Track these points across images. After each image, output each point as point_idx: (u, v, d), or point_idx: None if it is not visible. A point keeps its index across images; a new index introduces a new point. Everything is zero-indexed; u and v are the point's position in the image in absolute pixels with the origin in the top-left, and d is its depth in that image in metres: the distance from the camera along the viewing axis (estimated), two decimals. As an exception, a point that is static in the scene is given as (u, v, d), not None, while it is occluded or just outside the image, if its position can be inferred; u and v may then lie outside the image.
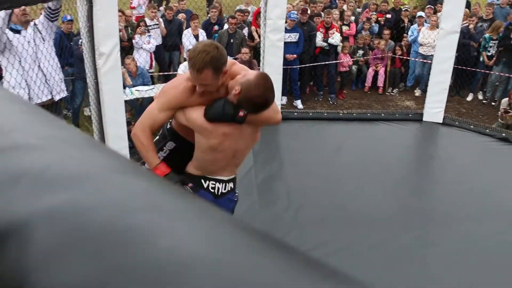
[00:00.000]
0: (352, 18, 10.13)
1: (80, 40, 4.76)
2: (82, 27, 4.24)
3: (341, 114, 6.84)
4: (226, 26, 8.68)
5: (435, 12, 10.00)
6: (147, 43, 8.33)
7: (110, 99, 4.45)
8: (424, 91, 9.41)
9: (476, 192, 4.71)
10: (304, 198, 4.54)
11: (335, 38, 8.84)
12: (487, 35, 9.24)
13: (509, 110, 7.18)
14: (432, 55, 9.24)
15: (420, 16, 9.76)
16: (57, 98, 4.40)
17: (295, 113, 6.79)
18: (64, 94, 4.54)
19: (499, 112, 7.32)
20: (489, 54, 9.21)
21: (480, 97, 9.68)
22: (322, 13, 9.64)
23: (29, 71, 4.16)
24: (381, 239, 3.95)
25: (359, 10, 10.55)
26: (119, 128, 4.67)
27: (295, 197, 4.56)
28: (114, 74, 4.44)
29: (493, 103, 8.85)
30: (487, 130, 6.35)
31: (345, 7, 10.67)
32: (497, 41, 9.08)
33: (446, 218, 4.30)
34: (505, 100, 7.42)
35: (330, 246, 3.81)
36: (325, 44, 8.83)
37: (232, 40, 8.41)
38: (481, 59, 9.38)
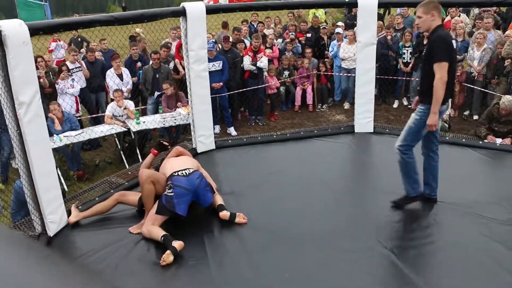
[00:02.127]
0: (275, 41, 10.31)
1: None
2: (-3, 78, 4.04)
3: (275, 136, 6.87)
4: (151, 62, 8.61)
5: (351, 27, 10.35)
6: (71, 87, 8.12)
7: (37, 149, 4.24)
8: (352, 104, 9.68)
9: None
10: (247, 224, 4.48)
11: (264, 62, 8.97)
12: (401, 44, 9.69)
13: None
14: (354, 68, 9.58)
15: (338, 32, 10.08)
16: None
17: (229, 141, 6.75)
18: None
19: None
20: (405, 61, 9.65)
21: (405, 102, 10.10)
22: (245, 39, 9.79)
23: None
24: (330, 255, 3.95)
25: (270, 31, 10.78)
26: (49, 178, 4.45)
27: (239, 225, 4.50)
28: (37, 123, 4.23)
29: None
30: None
31: (266, 31, 10.87)
32: (410, 48, 9.52)
33: (393, 225, 4.38)
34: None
35: (282, 269, 3.78)
36: (253, 67, 8.92)
37: (157, 75, 8.34)
38: (398, 66, 9.80)
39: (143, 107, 8.94)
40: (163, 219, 4.35)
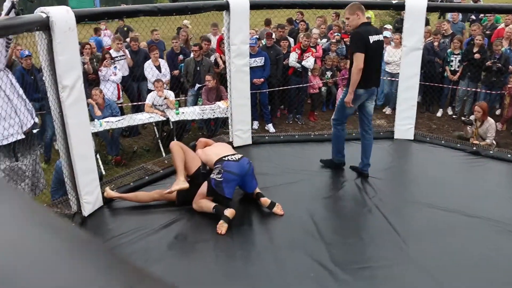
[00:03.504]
0: (319, 40, 10.24)
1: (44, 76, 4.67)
2: (43, 61, 4.15)
3: (312, 136, 6.83)
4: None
5: (397, 30, 10.18)
6: (113, 74, 8.26)
7: (77, 132, 4.35)
8: (394, 109, 9.52)
9: (452, 206, 4.71)
10: (277, 220, 4.48)
11: (310, 61, 8.92)
12: (449, 50, 9.44)
13: (469, 121, 7.30)
14: (398, 73, 9.42)
15: (385, 36, 9.91)
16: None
17: (266, 137, 6.74)
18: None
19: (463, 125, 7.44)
20: (452, 69, 9.40)
21: (450, 112, 9.84)
22: (288, 37, 9.75)
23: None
24: (361, 261, 3.91)
25: (316, 31, 10.67)
26: (87, 161, 4.56)
27: (270, 220, 4.50)
28: (79, 106, 4.35)
29: (462, 118, 8.98)
30: (458, 145, 6.41)
31: (314, 30, 10.79)
32: (459, 56, 9.27)
33: (424, 235, 4.28)
34: (473, 116, 7.53)
35: (308, 268, 3.75)
36: (298, 65, 8.89)
37: (198, 68, 8.40)
38: (445, 74, 9.56)
39: (182, 98, 9.03)
40: (210, 199, 4.54)
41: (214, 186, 4.46)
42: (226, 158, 4.56)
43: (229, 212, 4.33)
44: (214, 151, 4.78)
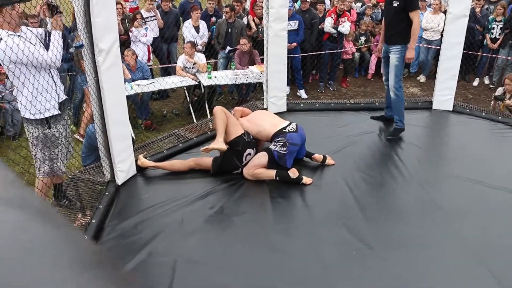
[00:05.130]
0: (353, 4, 9.89)
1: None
2: (79, 23, 3.99)
3: (348, 104, 6.61)
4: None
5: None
6: (144, 35, 8.09)
7: (112, 97, 4.23)
8: (429, 77, 9.22)
9: (495, 183, 4.52)
10: (315, 194, 4.35)
11: (346, 27, 8.60)
12: (491, 17, 9.02)
13: (500, 96, 6.98)
14: (435, 40, 9.07)
15: (423, 0, 9.51)
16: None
17: (301, 104, 6.55)
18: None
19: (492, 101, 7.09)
20: (493, 36, 9.00)
21: (487, 81, 9.49)
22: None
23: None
24: (402, 239, 3.77)
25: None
26: (122, 127, 4.45)
27: (307, 194, 4.37)
28: (115, 71, 4.21)
29: (500, 87, 8.66)
30: (500, 118, 6.14)
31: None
32: (501, 23, 8.86)
33: (467, 212, 4.11)
34: (500, 89, 7.21)
35: (350, 245, 3.64)
36: (334, 31, 8.59)
37: (230, 30, 8.17)
38: (485, 42, 9.17)
39: (214, 61, 8.83)
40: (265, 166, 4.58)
41: (277, 158, 4.49)
42: (287, 130, 4.58)
43: (294, 173, 4.45)
44: (269, 120, 4.76)
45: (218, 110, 4.58)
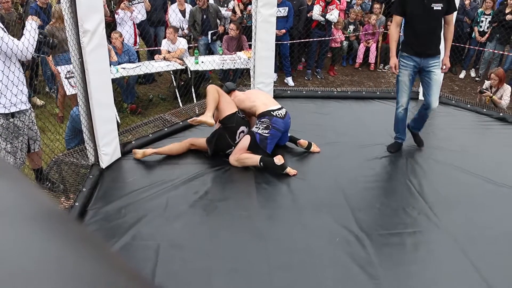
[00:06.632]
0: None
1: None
2: (64, 2, 3.90)
3: (335, 92, 6.60)
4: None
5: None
6: (131, 19, 7.97)
7: (97, 79, 4.16)
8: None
9: (480, 174, 4.56)
10: (301, 182, 4.35)
11: (334, 14, 8.55)
12: (480, 10, 9.04)
13: (484, 90, 7.01)
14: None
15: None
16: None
17: (288, 91, 6.53)
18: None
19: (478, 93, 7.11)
20: (481, 29, 9.03)
21: (473, 74, 9.54)
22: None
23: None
24: (387, 227, 3.78)
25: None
26: (106, 110, 4.39)
27: (293, 181, 4.36)
28: (100, 52, 4.13)
29: (486, 81, 8.71)
30: (484, 110, 6.19)
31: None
32: (489, 16, 8.89)
33: (451, 202, 4.14)
34: (487, 83, 7.25)
35: (333, 232, 3.64)
36: (322, 18, 8.54)
37: (206, 16, 8.08)
38: (473, 35, 9.20)
39: (192, 45, 8.74)
40: (250, 152, 4.54)
41: (259, 141, 4.48)
42: (275, 114, 4.55)
43: (279, 159, 4.39)
44: (262, 99, 4.73)
45: (211, 87, 4.57)
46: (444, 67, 4.64)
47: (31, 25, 3.98)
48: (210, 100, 4.45)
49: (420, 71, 4.68)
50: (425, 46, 4.53)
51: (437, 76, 4.63)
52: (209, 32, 8.17)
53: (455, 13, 4.60)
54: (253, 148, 4.50)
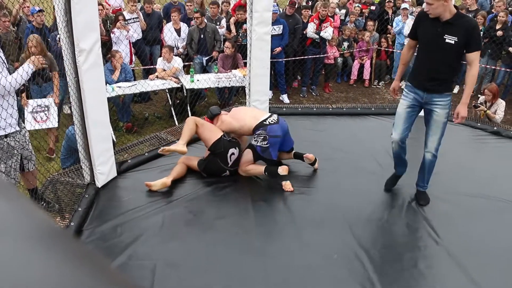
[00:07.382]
0: (337, 10, 9.95)
1: (58, 36, 4.44)
2: (60, 21, 3.92)
3: (330, 109, 6.63)
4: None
5: (419, 3, 9.87)
6: (126, 38, 8.01)
7: (93, 98, 4.16)
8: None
9: (475, 189, 4.57)
10: (298, 198, 4.34)
11: (328, 32, 8.62)
12: (471, 26, 9.10)
13: (479, 105, 7.06)
14: (418, 47, 9.14)
15: (405, 8, 9.61)
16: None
17: (284, 108, 6.56)
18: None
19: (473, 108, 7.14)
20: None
21: (455, 90, 9.58)
22: (311, 4, 9.45)
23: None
24: (385, 243, 3.78)
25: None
26: (102, 128, 4.39)
27: (290, 198, 4.35)
28: (96, 71, 4.15)
29: (479, 95, 8.74)
30: (478, 124, 6.22)
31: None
32: (481, 32, 8.96)
33: (449, 218, 4.14)
34: (481, 98, 7.30)
35: (331, 248, 3.63)
36: (316, 36, 8.60)
37: (203, 35, 8.13)
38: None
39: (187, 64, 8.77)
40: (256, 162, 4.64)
41: (261, 152, 4.53)
42: (267, 122, 4.56)
43: (283, 170, 4.42)
44: (249, 114, 4.75)
45: (189, 119, 4.64)
46: (456, 115, 3.97)
47: (28, 69, 3.99)
48: (185, 130, 4.50)
49: (424, 107, 4.11)
50: (428, 79, 3.91)
51: (439, 117, 3.99)
52: (204, 59, 8.20)
53: (479, 52, 3.78)
54: (258, 159, 4.59)
